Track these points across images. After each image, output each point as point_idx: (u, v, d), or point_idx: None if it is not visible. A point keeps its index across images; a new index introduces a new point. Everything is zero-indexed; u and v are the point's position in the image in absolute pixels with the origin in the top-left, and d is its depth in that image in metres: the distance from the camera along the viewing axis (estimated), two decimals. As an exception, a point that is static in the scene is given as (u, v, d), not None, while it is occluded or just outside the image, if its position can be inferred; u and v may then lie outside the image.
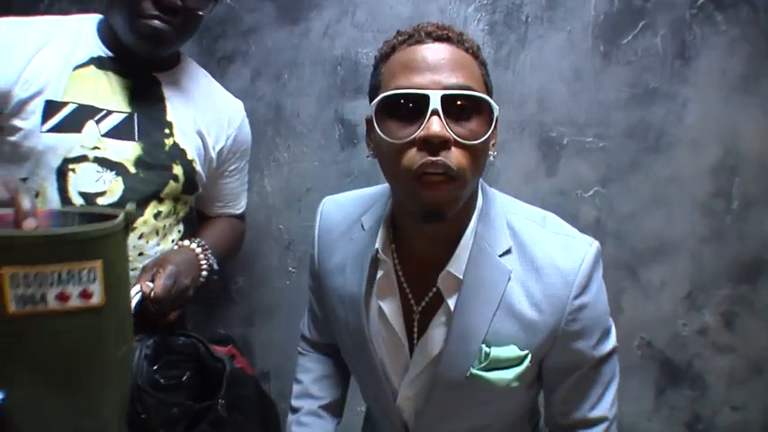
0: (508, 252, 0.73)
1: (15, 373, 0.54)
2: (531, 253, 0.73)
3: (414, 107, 0.63)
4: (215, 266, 1.02)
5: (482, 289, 0.72)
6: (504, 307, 0.72)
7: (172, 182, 1.01)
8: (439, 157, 0.62)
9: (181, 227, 1.09)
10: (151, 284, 0.86)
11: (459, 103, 0.63)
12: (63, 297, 0.54)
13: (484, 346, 0.72)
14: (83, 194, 0.94)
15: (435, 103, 0.61)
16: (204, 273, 0.99)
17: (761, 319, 1.30)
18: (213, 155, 1.08)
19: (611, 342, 0.77)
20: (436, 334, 0.75)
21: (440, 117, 0.61)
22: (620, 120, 1.28)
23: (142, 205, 0.98)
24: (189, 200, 1.10)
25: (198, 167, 1.05)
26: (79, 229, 0.56)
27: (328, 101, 1.36)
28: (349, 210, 0.86)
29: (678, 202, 1.29)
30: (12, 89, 0.90)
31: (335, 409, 0.98)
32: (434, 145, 0.62)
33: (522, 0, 1.28)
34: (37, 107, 0.91)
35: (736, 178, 1.27)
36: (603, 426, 0.77)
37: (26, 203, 0.58)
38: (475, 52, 0.68)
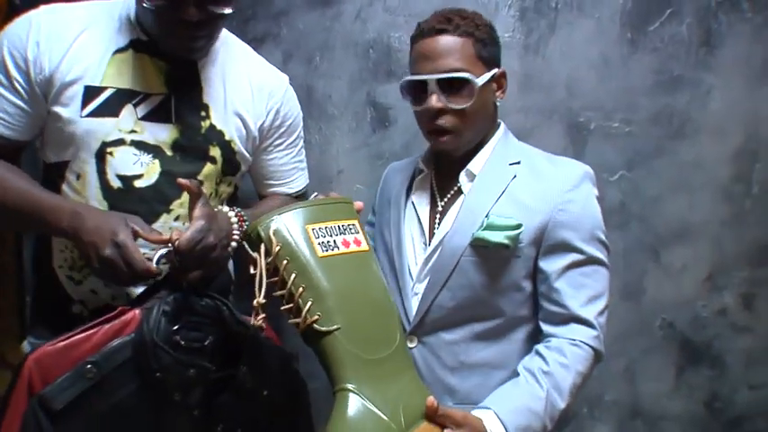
0: (517, 163, 0.96)
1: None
2: (537, 164, 0.96)
3: (420, 88, 0.93)
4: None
5: (491, 181, 0.95)
6: (506, 195, 0.93)
7: (209, 164, 1.01)
8: (438, 122, 0.93)
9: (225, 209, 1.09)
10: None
11: (449, 82, 0.90)
12: (345, 243, 0.80)
13: (485, 218, 0.91)
14: (120, 177, 0.95)
15: (432, 85, 0.91)
16: (234, 243, 0.96)
17: (779, 301, 1.34)
18: (255, 132, 1.08)
19: (602, 251, 0.93)
20: (451, 215, 0.96)
21: (436, 94, 0.91)
22: (645, 106, 1.32)
23: (180, 188, 0.98)
24: (232, 181, 1.10)
25: (238, 147, 1.05)
26: (340, 199, 0.86)
27: (360, 84, 1.38)
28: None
29: (700, 186, 1.33)
30: (53, 75, 0.92)
31: None
32: (434, 114, 0.92)
33: (552, -13, 1.30)
34: (77, 93, 0.93)
35: (757, 164, 1.31)
36: (593, 331, 0.89)
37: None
38: (470, 33, 0.92)
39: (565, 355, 0.87)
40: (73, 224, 0.86)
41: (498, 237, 0.89)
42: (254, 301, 0.74)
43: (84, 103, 0.92)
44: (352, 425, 0.70)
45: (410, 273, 0.99)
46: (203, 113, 1.01)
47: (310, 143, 1.42)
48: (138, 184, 0.95)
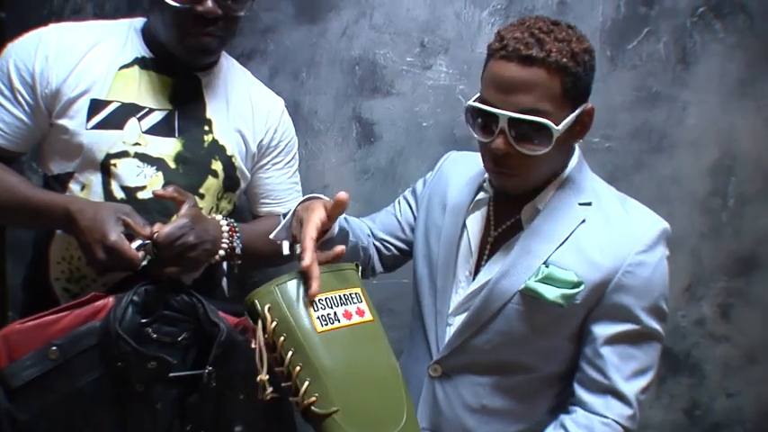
0: (588, 204, 0.84)
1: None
2: (609, 210, 0.84)
3: (488, 120, 0.78)
4: (238, 251, 0.99)
5: (555, 222, 0.83)
6: (571, 242, 0.82)
7: (211, 177, 1.03)
8: (502, 165, 0.80)
9: (218, 217, 1.10)
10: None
11: (523, 124, 0.75)
12: (347, 314, 0.74)
13: (543, 265, 0.81)
14: (124, 188, 0.96)
15: (503, 123, 0.76)
16: (222, 251, 0.96)
17: (755, 311, 1.39)
18: (254, 149, 1.10)
19: (659, 326, 0.82)
20: (504, 250, 0.86)
21: (505, 135, 0.76)
22: (625, 121, 1.35)
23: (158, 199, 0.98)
24: (232, 197, 1.11)
25: (238, 163, 1.07)
26: (344, 266, 0.78)
27: (346, 99, 1.40)
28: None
29: (679, 200, 1.36)
30: (60, 89, 0.94)
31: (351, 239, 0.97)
32: (499, 155, 0.78)
33: (533, 5, 1.33)
34: (83, 106, 0.95)
35: (733, 177, 1.35)
36: (629, 410, 0.80)
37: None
38: (561, 68, 0.75)
39: None
40: (67, 225, 0.88)
41: (553, 293, 0.79)
42: (258, 378, 0.71)
43: (90, 116, 0.94)
44: None
45: (449, 301, 0.91)
46: (206, 128, 1.03)
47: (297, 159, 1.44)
48: (141, 195, 0.97)
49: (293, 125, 1.19)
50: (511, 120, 0.75)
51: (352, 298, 0.76)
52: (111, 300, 0.82)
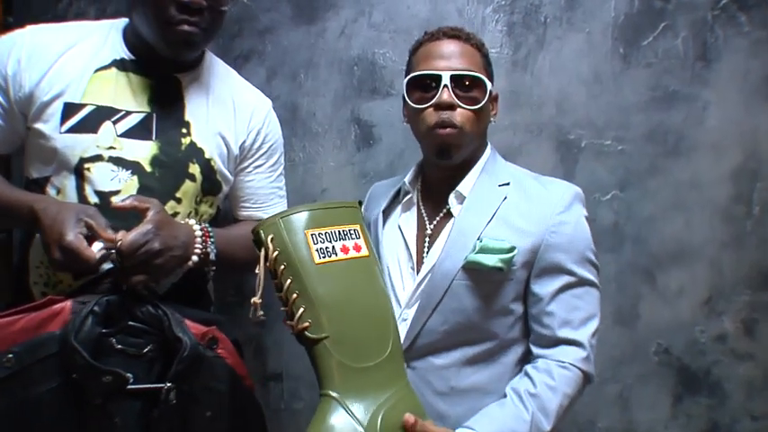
0: (507, 184, 0.95)
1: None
2: (526, 185, 0.95)
3: (431, 83, 0.91)
4: (212, 256, 0.97)
5: (481, 203, 0.93)
6: (498, 217, 0.92)
7: (188, 181, 1.00)
8: (447, 116, 0.90)
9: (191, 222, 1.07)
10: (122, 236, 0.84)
11: (462, 80, 0.91)
12: (344, 249, 0.80)
13: (477, 240, 0.90)
14: (98, 193, 0.95)
15: (446, 79, 0.90)
16: (195, 257, 0.94)
17: (782, 327, 1.28)
18: (236, 151, 1.07)
19: (593, 273, 0.93)
20: (441, 238, 0.94)
21: (448, 89, 0.90)
22: (639, 123, 1.27)
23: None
24: (214, 202, 1.08)
25: (218, 166, 1.04)
26: (346, 203, 0.85)
27: (344, 101, 1.36)
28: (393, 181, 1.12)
29: (698, 206, 1.27)
30: (33, 93, 0.93)
31: None
32: (444, 108, 0.90)
33: (540, 0, 1.26)
34: (56, 109, 0.93)
35: (758, 183, 1.25)
36: (583, 352, 0.88)
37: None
38: (478, 47, 0.96)
39: (553, 377, 0.86)
40: (32, 224, 0.87)
41: (492, 260, 0.87)
42: (252, 300, 0.76)
43: (64, 120, 0.93)
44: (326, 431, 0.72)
45: (398, 299, 0.97)
46: (184, 130, 1.01)
47: (294, 162, 1.40)
48: (115, 200, 0.95)
49: (292, 128, 1.17)
50: (452, 77, 0.90)
51: (350, 234, 0.82)
52: (68, 303, 0.80)
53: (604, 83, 1.27)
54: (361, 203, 0.89)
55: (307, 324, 0.75)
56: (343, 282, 0.78)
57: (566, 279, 0.90)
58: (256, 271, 0.77)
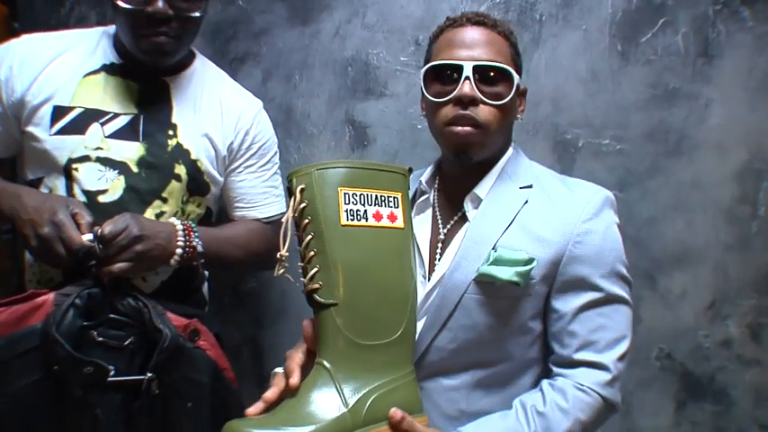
0: (529, 187, 0.85)
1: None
2: (550, 188, 0.86)
3: (452, 74, 0.82)
4: (199, 248, 0.97)
5: (499, 207, 0.84)
6: (517, 223, 0.82)
7: (174, 181, 1.02)
8: (468, 112, 0.81)
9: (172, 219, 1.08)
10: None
11: (487, 72, 0.81)
12: (377, 215, 0.73)
13: (492, 250, 0.80)
14: (85, 192, 0.97)
15: (468, 71, 0.80)
16: (179, 250, 0.94)
17: (790, 332, 1.23)
18: (224, 152, 1.08)
19: (624, 290, 0.83)
20: (454, 245, 0.85)
21: (470, 81, 0.80)
22: (638, 121, 1.24)
23: (144, 204, 0.99)
24: (202, 202, 1.09)
25: (205, 167, 1.05)
26: (394, 167, 0.76)
27: (339, 102, 1.36)
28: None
29: (700, 207, 1.23)
30: (24, 97, 0.96)
31: None
32: (465, 102, 0.80)
33: (536, -2, 1.24)
34: (46, 112, 0.97)
35: (764, 183, 1.21)
36: (606, 375, 0.78)
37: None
38: (506, 35, 0.85)
39: (566, 399, 0.77)
40: (13, 203, 0.89)
41: (507, 273, 0.77)
42: (278, 254, 0.72)
43: (53, 122, 0.97)
44: (309, 401, 0.66)
45: None
46: (171, 132, 1.03)
47: (289, 163, 1.40)
48: (102, 199, 0.97)
49: (287, 130, 1.17)
50: (475, 68, 0.80)
51: (388, 201, 0.73)
52: (50, 296, 0.81)
53: (602, 81, 1.24)
54: (411, 171, 0.80)
55: (317, 286, 0.69)
56: (366, 249, 0.71)
57: (591, 295, 0.80)
58: (282, 219, 0.72)
